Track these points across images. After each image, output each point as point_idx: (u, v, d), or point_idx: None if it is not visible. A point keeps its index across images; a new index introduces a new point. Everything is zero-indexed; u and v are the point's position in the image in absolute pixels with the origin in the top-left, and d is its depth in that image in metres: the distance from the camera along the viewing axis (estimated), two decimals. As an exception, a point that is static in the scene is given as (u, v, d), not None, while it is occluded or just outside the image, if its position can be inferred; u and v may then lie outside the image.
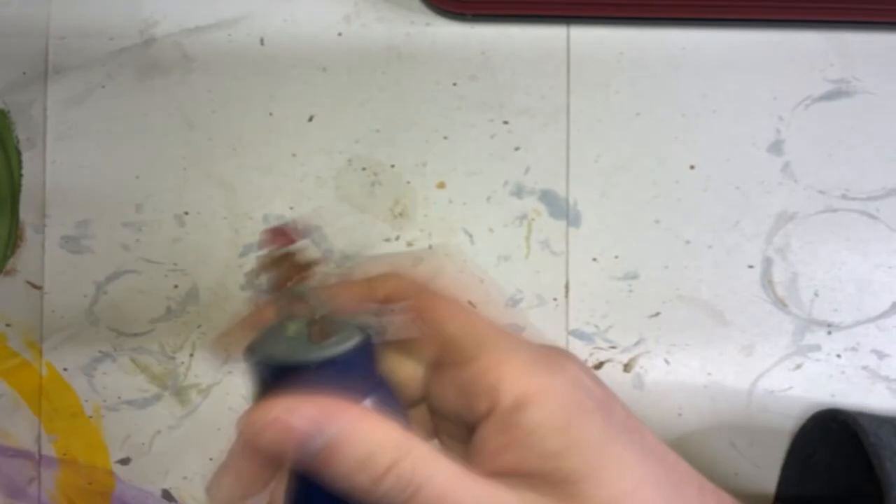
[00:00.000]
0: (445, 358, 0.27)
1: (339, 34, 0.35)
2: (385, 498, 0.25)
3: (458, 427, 0.29)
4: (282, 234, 0.26)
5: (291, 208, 0.35)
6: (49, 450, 0.36)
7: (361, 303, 0.28)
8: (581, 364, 0.28)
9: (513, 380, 0.26)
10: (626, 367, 0.35)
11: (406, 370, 0.29)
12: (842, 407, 0.34)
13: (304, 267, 0.26)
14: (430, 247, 0.35)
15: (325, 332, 0.26)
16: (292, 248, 0.26)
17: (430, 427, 0.32)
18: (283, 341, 0.27)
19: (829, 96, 0.34)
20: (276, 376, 0.26)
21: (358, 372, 0.27)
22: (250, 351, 0.26)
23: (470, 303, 0.29)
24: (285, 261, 0.26)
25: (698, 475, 0.28)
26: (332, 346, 0.26)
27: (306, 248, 0.26)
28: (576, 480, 0.25)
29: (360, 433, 0.25)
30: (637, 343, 0.35)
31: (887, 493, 0.28)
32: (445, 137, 0.35)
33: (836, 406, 0.34)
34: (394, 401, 0.30)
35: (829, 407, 0.34)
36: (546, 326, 0.35)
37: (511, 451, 0.26)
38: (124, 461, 0.36)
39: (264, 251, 0.26)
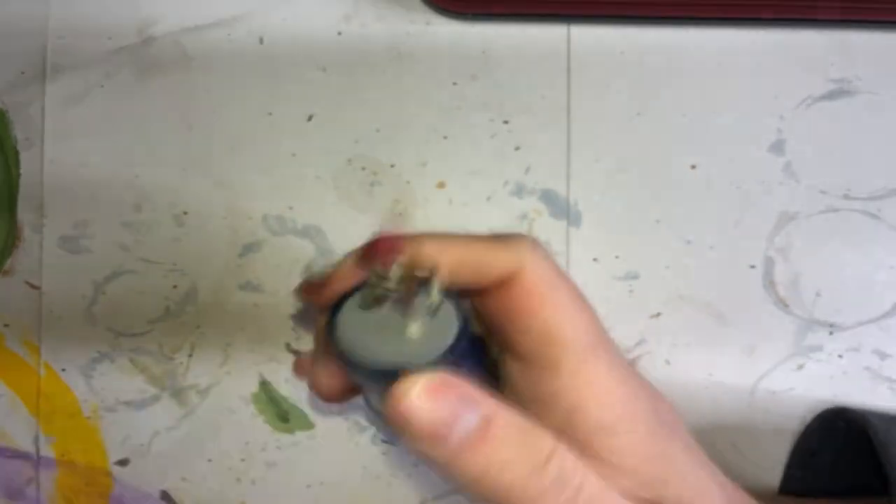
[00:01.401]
0: (540, 358, 0.25)
1: (339, 33, 0.35)
2: (546, 496, 0.22)
3: None
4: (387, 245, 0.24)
5: (291, 208, 0.35)
6: (47, 451, 0.36)
7: (478, 272, 0.25)
8: (650, 383, 0.27)
9: (598, 403, 0.24)
10: (627, 368, 0.35)
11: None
12: (840, 404, 0.34)
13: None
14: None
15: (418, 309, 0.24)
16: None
17: None
18: (379, 327, 0.24)
19: (830, 96, 0.34)
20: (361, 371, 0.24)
21: (463, 359, 0.24)
22: (354, 347, 0.24)
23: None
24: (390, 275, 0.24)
25: (729, 479, 0.28)
26: (438, 335, 0.24)
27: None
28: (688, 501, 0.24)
29: (512, 414, 0.22)
30: (638, 343, 0.35)
31: (895, 489, 0.28)
32: (445, 137, 0.35)
33: (839, 405, 0.34)
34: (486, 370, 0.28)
35: (834, 405, 0.34)
36: (546, 327, 0.35)
37: (605, 475, 0.24)
38: (123, 462, 0.36)
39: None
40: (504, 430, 0.22)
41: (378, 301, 0.25)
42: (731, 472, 0.34)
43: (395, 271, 0.24)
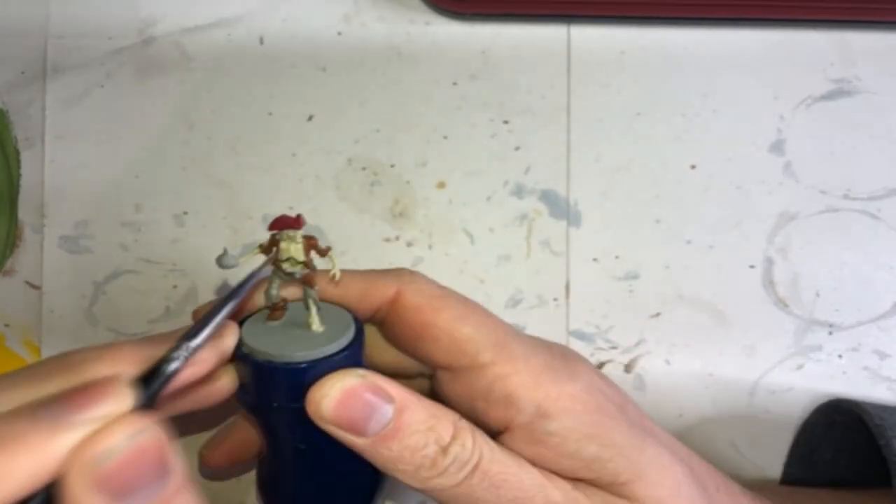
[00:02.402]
0: (457, 360, 0.27)
1: (339, 33, 0.35)
2: (447, 475, 0.25)
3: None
4: (286, 220, 0.27)
5: (291, 208, 0.35)
6: (47, 451, 0.36)
7: (365, 298, 0.28)
8: (589, 364, 0.28)
9: (528, 390, 0.26)
10: (627, 368, 0.35)
11: (409, 367, 0.29)
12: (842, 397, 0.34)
13: (306, 251, 0.27)
14: (430, 247, 0.35)
15: (316, 319, 0.27)
16: (294, 233, 0.27)
17: None
18: (278, 332, 0.27)
19: (830, 96, 0.34)
20: (285, 372, 0.25)
21: (359, 353, 0.27)
22: (252, 344, 0.26)
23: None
24: (288, 243, 0.27)
25: (710, 468, 0.28)
26: (335, 335, 0.26)
27: (309, 238, 0.27)
28: (625, 481, 0.25)
29: (419, 407, 0.25)
30: (638, 343, 0.35)
31: (895, 473, 0.28)
32: (445, 137, 0.35)
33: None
34: None
35: (831, 398, 0.34)
36: (547, 327, 0.35)
37: (546, 460, 0.26)
38: (123, 462, 0.36)
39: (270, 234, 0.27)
40: (413, 420, 0.25)
41: (278, 310, 0.27)
42: (731, 470, 0.35)
43: (299, 242, 0.26)
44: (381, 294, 0.28)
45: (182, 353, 0.23)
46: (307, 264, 0.27)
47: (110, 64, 0.35)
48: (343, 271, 0.28)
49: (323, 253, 0.27)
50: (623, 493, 0.26)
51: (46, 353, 0.36)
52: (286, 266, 0.27)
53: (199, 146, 0.35)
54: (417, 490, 0.25)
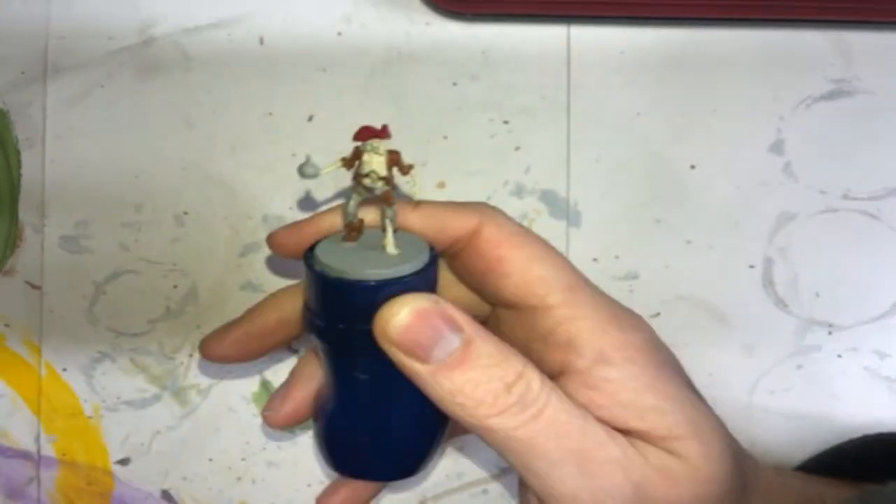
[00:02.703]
0: (525, 299, 0.26)
1: (339, 34, 0.35)
2: (508, 415, 0.24)
3: None
4: (372, 130, 0.26)
5: (291, 208, 0.35)
6: (48, 450, 0.36)
7: (445, 228, 0.28)
8: (651, 328, 0.28)
9: (592, 335, 0.26)
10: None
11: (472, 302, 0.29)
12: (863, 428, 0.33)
13: (388, 165, 0.26)
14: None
15: (392, 243, 0.26)
16: (378, 143, 0.26)
17: None
18: (352, 252, 0.27)
19: (829, 96, 0.34)
20: (356, 289, 0.25)
21: (433, 277, 0.27)
22: (331, 262, 0.26)
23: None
24: (371, 155, 0.26)
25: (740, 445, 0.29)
26: (410, 259, 0.26)
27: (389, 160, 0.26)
28: (679, 436, 0.25)
29: (488, 340, 0.25)
30: (638, 343, 0.35)
31: None
32: (445, 137, 0.35)
33: (844, 411, 0.34)
34: None
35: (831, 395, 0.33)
36: (546, 327, 0.35)
37: (600, 407, 0.25)
38: (124, 462, 0.36)
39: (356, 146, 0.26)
40: (480, 353, 0.24)
41: (354, 231, 0.27)
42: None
43: (382, 154, 0.26)
44: (461, 225, 0.27)
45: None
46: (388, 180, 0.26)
47: (111, 64, 0.35)
48: (423, 201, 0.28)
49: (406, 171, 0.26)
50: (675, 450, 0.25)
51: (47, 352, 0.36)
52: (367, 181, 0.26)
53: (199, 146, 0.35)
54: (475, 431, 0.25)
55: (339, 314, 0.26)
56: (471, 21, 0.35)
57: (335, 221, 0.28)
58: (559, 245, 0.35)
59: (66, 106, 0.35)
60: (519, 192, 0.35)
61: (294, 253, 0.29)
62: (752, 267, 0.35)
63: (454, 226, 0.28)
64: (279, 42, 0.35)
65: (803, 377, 0.35)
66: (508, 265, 0.27)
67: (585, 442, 0.24)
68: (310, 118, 0.35)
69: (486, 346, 0.24)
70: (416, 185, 0.27)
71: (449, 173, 0.35)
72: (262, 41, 0.35)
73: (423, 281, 0.26)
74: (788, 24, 0.34)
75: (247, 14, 0.35)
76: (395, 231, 0.27)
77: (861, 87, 0.34)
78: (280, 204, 0.35)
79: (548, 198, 0.35)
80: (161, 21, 0.35)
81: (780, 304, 0.35)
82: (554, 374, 0.26)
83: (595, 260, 0.35)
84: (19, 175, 0.35)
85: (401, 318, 0.24)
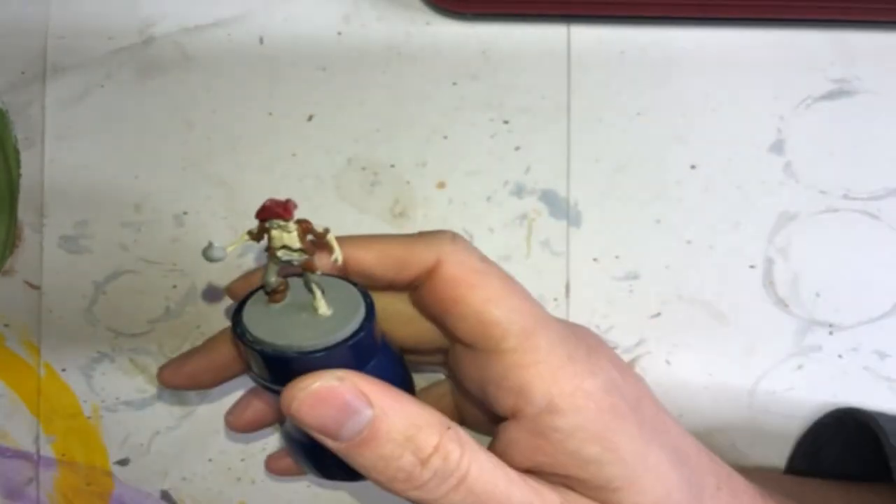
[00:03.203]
0: (480, 342, 0.26)
1: (339, 33, 0.35)
2: (427, 488, 0.24)
3: (478, 406, 0.28)
4: (274, 209, 0.25)
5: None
6: (47, 450, 0.36)
7: (402, 268, 0.27)
8: (613, 356, 0.27)
9: (543, 383, 0.25)
10: (627, 368, 0.35)
11: (427, 339, 0.28)
12: (852, 405, 0.34)
13: (301, 236, 0.25)
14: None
15: (322, 298, 0.25)
16: (284, 222, 0.25)
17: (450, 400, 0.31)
18: (280, 314, 0.25)
19: (830, 96, 0.34)
20: (285, 358, 0.24)
21: (364, 341, 0.25)
22: (253, 330, 0.25)
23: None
24: (280, 231, 0.25)
25: (714, 464, 0.28)
26: (340, 320, 0.25)
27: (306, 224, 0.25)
28: (616, 488, 0.25)
29: (399, 413, 0.24)
30: (638, 343, 0.35)
31: None
32: (445, 137, 0.35)
33: (843, 405, 0.34)
34: (398, 365, 0.29)
35: (846, 406, 0.34)
36: (546, 327, 0.35)
37: (545, 453, 0.25)
38: (123, 462, 0.36)
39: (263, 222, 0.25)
40: (390, 429, 0.23)
41: (278, 293, 0.26)
42: (731, 471, 0.34)
43: (295, 224, 0.25)
44: (418, 262, 0.26)
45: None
46: (305, 250, 0.25)
47: (110, 64, 0.35)
48: (376, 236, 0.27)
49: (321, 237, 0.25)
50: (611, 500, 0.25)
51: (46, 353, 0.36)
52: (281, 254, 0.25)
53: (199, 146, 0.35)
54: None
55: (277, 380, 0.25)
56: (471, 21, 0.35)
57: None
58: (559, 245, 0.35)
59: (66, 106, 0.35)
60: (519, 192, 0.35)
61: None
62: (752, 267, 0.35)
63: (411, 263, 0.27)
64: (279, 42, 0.35)
65: (804, 377, 0.35)
66: (464, 307, 0.26)
67: (527, 498, 0.24)
68: (309, 118, 0.35)
69: (397, 422, 0.23)
70: (336, 251, 0.25)
71: (449, 173, 0.35)
72: (262, 41, 0.35)
73: (358, 344, 0.25)
74: (788, 24, 0.34)
75: (247, 14, 0.35)
76: (323, 290, 0.25)
77: (861, 87, 0.34)
78: (280, 204, 0.35)
79: (548, 198, 0.35)
80: (161, 21, 0.35)
81: (781, 304, 0.35)
82: (505, 415, 0.26)
83: (595, 260, 0.35)
84: (18, 175, 0.35)
85: (300, 400, 0.23)
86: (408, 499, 0.24)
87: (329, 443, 0.24)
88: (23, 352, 0.36)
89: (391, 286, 0.28)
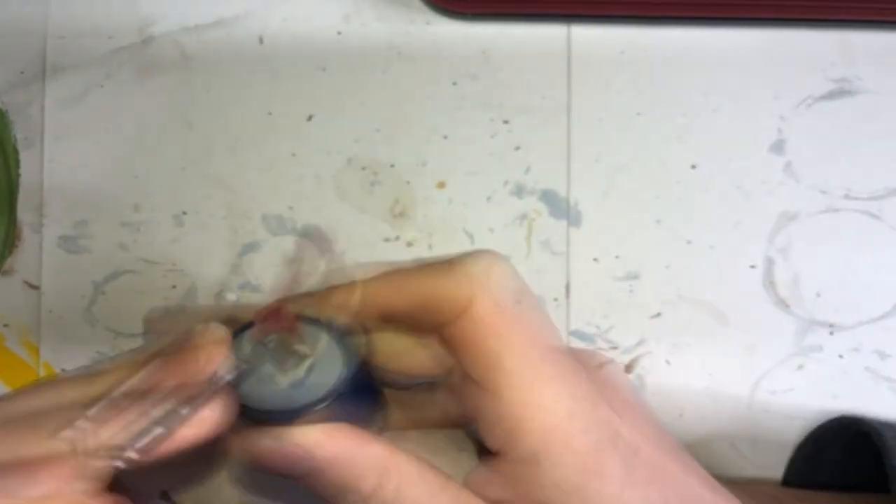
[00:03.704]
0: (487, 385, 0.26)
1: (339, 33, 0.35)
2: None
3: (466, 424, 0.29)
4: (276, 317, 0.26)
5: (291, 208, 0.35)
6: (46, 451, 0.36)
7: (425, 313, 0.26)
8: (623, 400, 0.27)
9: (536, 433, 0.25)
10: (628, 368, 0.35)
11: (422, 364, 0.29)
12: (852, 412, 0.33)
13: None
14: (430, 247, 0.35)
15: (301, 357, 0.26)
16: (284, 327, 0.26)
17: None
18: (263, 373, 0.26)
19: (830, 95, 0.34)
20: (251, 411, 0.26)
21: (348, 391, 0.26)
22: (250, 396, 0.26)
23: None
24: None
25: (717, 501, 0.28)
26: (317, 381, 0.26)
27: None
28: None
29: (344, 459, 0.25)
30: (638, 343, 0.35)
31: None
32: (445, 137, 0.35)
33: (843, 405, 0.34)
34: (375, 402, 0.30)
35: (849, 413, 0.33)
36: (547, 327, 0.35)
37: (515, 494, 0.26)
38: (122, 463, 0.36)
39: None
40: (330, 478, 0.25)
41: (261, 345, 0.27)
42: (731, 471, 0.35)
43: (272, 340, 0.26)
44: (447, 310, 0.26)
45: (124, 453, 0.23)
46: (297, 344, 0.26)
47: (110, 64, 0.35)
48: (389, 273, 0.27)
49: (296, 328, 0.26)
50: None
51: (45, 353, 0.36)
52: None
53: (199, 146, 0.35)
54: None
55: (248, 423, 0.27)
56: (471, 21, 0.35)
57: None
58: (559, 245, 0.35)
59: (65, 106, 0.35)
60: (519, 192, 0.35)
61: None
62: (752, 267, 0.35)
63: (441, 306, 0.26)
64: (279, 42, 0.35)
65: (804, 377, 0.35)
66: (477, 349, 0.26)
67: None
68: (309, 118, 0.35)
69: (332, 474, 0.25)
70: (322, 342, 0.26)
71: (449, 173, 0.35)
72: (261, 41, 0.35)
73: (329, 407, 0.26)
74: (788, 24, 0.34)
75: (246, 13, 0.35)
76: (307, 357, 0.26)
77: (862, 87, 0.34)
78: (279, 204, 0.35)
79: (548, 198, 0.35)
80: (160, 20, 0.35)
81: (781, 304, 0.35)
82: (493, 449, 0.26)
83: (595, 260, 0.35)
84: (18, 175, 0.35)
85: (256, 452, 0.25)
86: None
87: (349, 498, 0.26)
88: (22, 352, 0.36)
89: (421, 329, 0.27)
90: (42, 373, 0.36)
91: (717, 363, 0.35)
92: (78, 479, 0.21)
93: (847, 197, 0.34)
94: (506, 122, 0.35)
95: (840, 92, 0.34)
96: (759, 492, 0.30)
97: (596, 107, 0.35)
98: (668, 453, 0.28)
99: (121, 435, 0.23)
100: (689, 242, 0.35)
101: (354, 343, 0.27)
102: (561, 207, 0.35)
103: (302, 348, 0.26)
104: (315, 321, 0.27)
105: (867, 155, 0.34)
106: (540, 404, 0.26)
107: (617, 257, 0.35)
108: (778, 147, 0.35)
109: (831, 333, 0.35)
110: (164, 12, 0.35)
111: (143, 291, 0.35)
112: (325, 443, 0.25)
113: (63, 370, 0.36)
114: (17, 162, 0.35)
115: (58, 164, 0.35)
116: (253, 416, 0.26)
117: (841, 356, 0.35)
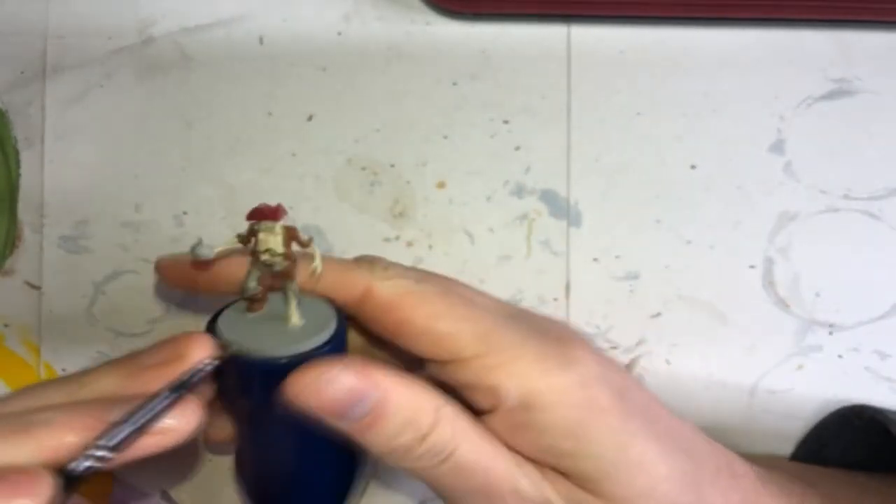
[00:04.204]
0: (439, 356, 0.26)
1: (339, 33, 0.35)
2: (421, 460, 0.25)
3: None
4: (264, 211, 0.26)
5: (291, 208, 0.35)
6: (47, 451, 0.36)
7: (336, 291, 0.27)
8: (592, 349, 0.27)
9: (517, 379, 0.26)
10: (628, 368, 0.35)
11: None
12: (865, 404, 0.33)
13: (286, 242, 0.26)
14: (430, 247, 0.35)
15: (298, 311, 0.26)
16: (272, 224, 0.26)
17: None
18: (255, 324, 0.26)
19: (830, 96, 0.34)
20: (256, 367, 0.25)
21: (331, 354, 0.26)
22: (229, 336, 0.26)
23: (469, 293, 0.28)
24: (267, 234, 0.26)
25: (713, 449, 0.28)
26: (314, 331, 0.26)
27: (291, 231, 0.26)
28: (595, 479, 0.26)
29: (402, 396, 0.25)
30: (638, 343, 0.35)
31: None
32: (445, 137, 0.35)
33: (844, 405, 0.34)
34: None
35: (847, 404, 0.33)
36: (546, 327, 0.35)
37: (522, 446, 0.26)
38: (123, 462, 0.36)
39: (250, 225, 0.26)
40: (394, 410, 0.25)
41: (256, 302, 0.27)
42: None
43: (282, 228, 0.26)
44: (350, 289, 0.27)
45: (96, 452, 0.22)
46: (287, 256, 0.26)
47: (110, 64, 0.35)
48: (329, 259, 0.27)
49: (305, 244, 0.26)
50: (589, 489, 0.26)
51: (46, 353, 0.36)
52: (265, 257, 0.26)
53: (199, 146, 0.35)
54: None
55: (245, 389, 0.26)
56: (471, 21, 0.35)
57: (227, 273, 0.28)
58: (559, 245, 0.35)
59: (66, 106, 0.35)
60: (519, 192, 0.35)
61: (179, 285, 0.30)
62: (752, 267, 0.35)
63: (344, 289, 0.27)
64: (279, 42, 0.35)
65: (804, 377, 0.35)
66: (409, 328, 0.26)
67: (492, 477, 0.25)
68: (309, 118, 0.35)
69: (400, 403, 0.25)
70: (316, 259, 0.26)
71: (449, 173, 0.35)
72: (261, 41, 0.35)
73: (329, 352, 0.25)
74: (788, 24, 0.34)
75: (247, 14, 0.35)
76: (298, 301, 0.26)
77: (861, 87, 0.34)
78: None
79: (548, 198, 0.35)
80: (161, 21, 0.35)
81: (781, 304, 0.35)
82: (484, 412, 0.26)
83: (595, 260, 0.35)
84: (18, 175, 0.35)
85: (309, 388, 0.24)
86: (400, 469, 0.26)
87: (341, 425, 0.25)
88: (23, 351, 0.36)
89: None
90: (43, 373, 0.36)
91: (717, 363, 0.35)
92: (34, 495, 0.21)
93: (847, 197, 0.34)
94: (506, 122, 0.35)
95: (839, 92, 0.34)
96: (763, 460, 0.30)
97: (596, 107, 0.35)
98: (652, 399, 0.28)
99: (93, 435, 0.22)
100: (688, 242, 0.35)
101: (341, 312, 0.27)
102: (561, 207, 0.35)
103: (293, 301, 0.26)
104: (307, 295, 0.27)
105: (867, 155, 0.34)
106: (504, 352, 0.26)
107: (617, 257, 0.35)
108: (778, 147, 0.35)
109: (831, 333, 0.35)
110: (165, 13, 0.35)
111: (144, 291, 0.35)
112: (388, 374, 0.25)
113: (64, 370, 0.36)
114: (18, 162, 0.35)
115: (58, 164, 0.35)
116: (255, 372, 0.25)
117: (840, 356, 0.35)
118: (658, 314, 0.35)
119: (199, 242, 0.26)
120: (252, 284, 0.27)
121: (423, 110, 0.35)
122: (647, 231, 0.35)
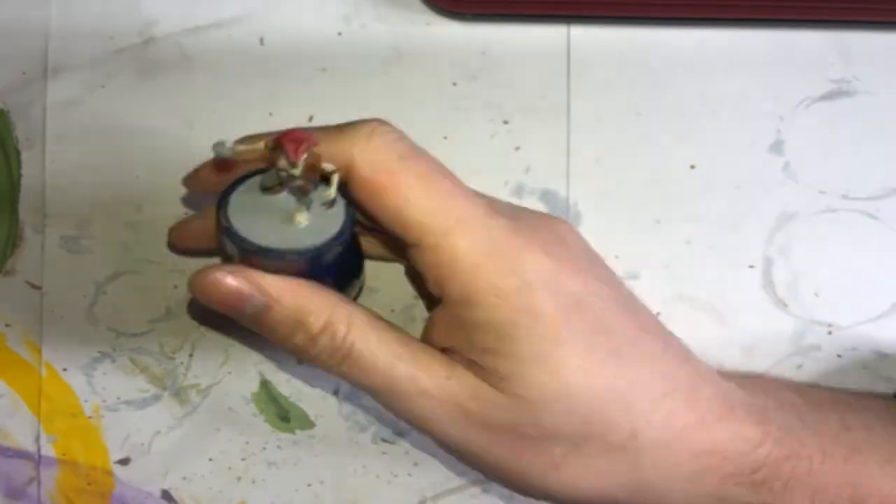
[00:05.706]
0: (405, 239, 0.28)
1: (339, 34, 0.35)
2: (319, 358, 0.28)
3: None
4: (295, 137, 0.26)
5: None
6: (48, 450, 0.36)
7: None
8: (559, 253, 0.28)
9: (460, 278, 0.27)
10: (627, 368, 0.35)
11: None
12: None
13: (306, 172, 0.26)
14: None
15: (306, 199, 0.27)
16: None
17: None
18: (265, 209, 0.27)
19: (829, 96, 0.34)
20: (246, 250, 0.27)
21: (315, 260, 0.28)
22: (233, 217, 0.27)
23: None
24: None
25: (685, 372, 0.30)
26: (312, 233, 0.27)
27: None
28: (508, 378, 0.27)
29: (288, 300, 0.27)
30: (637, 343, 0.35)
31: None
32: (445, 137, 0.35)
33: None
34: (355, 269, 0.32)
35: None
36: (546, 326, 0.35)
37: (455, 339, 0.28)
38: (124, 461, 0.36)
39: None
40: (280, 314, 0.27)
41: (278, 186, 0.28)
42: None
43: (302, 162, 0.26)
44: (338, 162, 0.27)
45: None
46: (304, 184, 0.27)
47: (111, 64, 0.35)
48: (323, 128, 0.28)
49: (325, 175, 0.27)
50: (500, 388, 0.27)
51: (47, 353, 0.36)
52: (282, 173, 0.26)
53: (200, 146, 0.35)
54: None
55: (243, 261, 0.28)
56: (471, 21, 0.35)
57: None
58: (559, 245, 0.35)
59: (67, 106, 0.35)
60: (519, 192, 0.35)
61: (205, 188, 0.31)
62: (751, 267, 0.35)
63: (333, 160, 0.27)
64: (279, 42, 0.35)
65: (803, 377, 0.35)
66: (381, 210, 0.27)
67: (391, 378, 0.27)
68: (310, 118, 0.35)
69: (284, 309, 0.27)
70: (333, 189, 0.27)
71: (449, 173, 0.35)
72: (262, 41, 0.35)
73: (316, 256, 0.27)
74: (788, 24, 0.34)
75: (247, 14, 0.35)
76: (307, 206, 0.27)
77: (861, 87, 0.34)
78: (280, 204, 0.35)
79: (548, 198, 0.35)
80: (162, 21, 0.35)
81: (780, 304, 0.35)
82: (436, 301, 0.28)
83: (595, 260, 0.35)
84: (19, 175, 0.35)
85: (202, 288, 0.27)
86: (313, 366, 0.28)
87: (237, 319, 0.28)
88: (24, 351, 0.36)
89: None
90: (44, 373, 0.36)
91: (717, 363, 0.35)
92: None
93: (846, 197, 0.35)
94: (506, 122, 0.35)
95: (839, 92, 0.34)
96: (760, 381, 0.31)
97: (595, 107, 0.35)
98: (621, 311, 0.29)
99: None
100: (688, 242, 0.35)
101: (351, 205, 0.28)
102: (561, 207, 0.35)
103: (311, 196, 0.27)
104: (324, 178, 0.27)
105: (866, 155, 0.34)
106: (458, 250, 0.27)
107: (616, 257, 0.35)
108: (777, 147, 0.35)
109: (830, 333, 0.35)
110: (166, 13, 0.35)
111: (145, 291, 0.35)
112: (278, 282, 0.27)
113: (65, 370, 0.36)
114: (19, 162, 0.35)
115: (59, 164, 0.35)
116: (239, 245, 0.27)
117: (839, 356, 0.35)
118: (658, 314, 0.35)
119: (221, 142, 0.27)
120: (268, 183, 0.28)
121: (423, 110, 0.35)
122: (647, 231, 0.35)
